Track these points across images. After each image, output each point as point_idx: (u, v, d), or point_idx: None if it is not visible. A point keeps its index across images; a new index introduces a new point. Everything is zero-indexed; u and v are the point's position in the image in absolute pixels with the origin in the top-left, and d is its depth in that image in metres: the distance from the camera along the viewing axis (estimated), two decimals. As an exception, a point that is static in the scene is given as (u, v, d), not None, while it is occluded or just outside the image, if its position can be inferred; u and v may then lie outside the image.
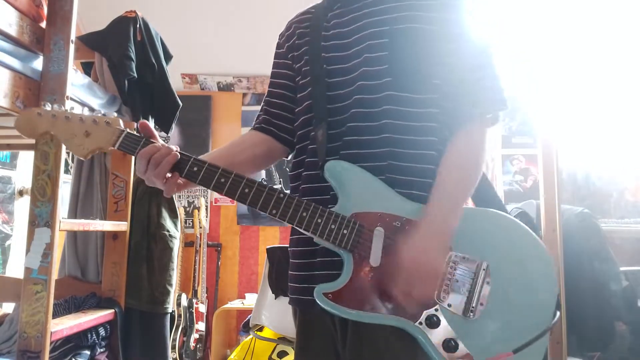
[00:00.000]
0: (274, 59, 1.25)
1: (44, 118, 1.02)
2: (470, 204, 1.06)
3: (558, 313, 0.97)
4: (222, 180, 0.98)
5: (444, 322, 0.94)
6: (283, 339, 2.38)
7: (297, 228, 0.98)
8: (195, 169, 0.99)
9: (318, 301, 0.94)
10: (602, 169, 2.95)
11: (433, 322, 0.93)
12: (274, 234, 4.16)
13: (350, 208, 0.98)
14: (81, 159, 1.04)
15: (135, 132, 1.04)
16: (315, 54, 1.11)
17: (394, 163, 1.00)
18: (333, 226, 0.96)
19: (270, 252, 2.10)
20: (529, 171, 3.98)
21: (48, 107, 1.03)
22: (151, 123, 2.31)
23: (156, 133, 1.04)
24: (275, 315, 2.15)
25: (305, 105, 1.12)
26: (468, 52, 1.04)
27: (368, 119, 1.02)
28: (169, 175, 1.00)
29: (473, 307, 0.95)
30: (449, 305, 0.94)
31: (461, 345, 0.93)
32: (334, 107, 1.06)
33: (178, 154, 0.99)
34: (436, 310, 0.94)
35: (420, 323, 0.93)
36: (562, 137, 2.09)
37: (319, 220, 0.96)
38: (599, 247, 2.11)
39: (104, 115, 1.02)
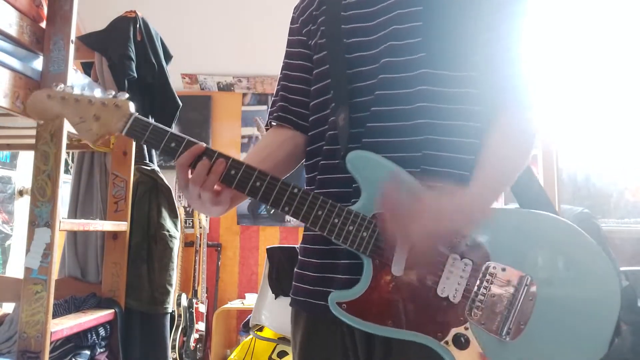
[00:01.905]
0: (288, 35, 1.11)
1: (54, 100, 0.95)
2: (509, 203, 0.94)
3: (616, 340, 0.84)
4: (232, 172, 0.87)
5: (474, 342, 0.82)
6: (283, 339, 2.39)
7: (313, 228, 0.87)
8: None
9: (332, 311, 0.84)
10: (602, 169, 2.95)
11: (461, 343, 0.82)
12: (274, 234, 4.16)
13: (372, 207, 0.85)
14: (90, 145, 0.98)
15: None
16: (333, 25, 0.97)
17: (431, 153, 0.87)
18: (351, 227, 0.85)
19: (270, 252, 2.10)
20: (529, 171, 3.97)
21: (59, 88, 0.95)
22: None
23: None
24: (275, 315, 2.15)
25: (321, 85, 1.00)
26: (515, 24, 0.90)
27: (398, 102, 0.89)
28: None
29: (510, 328, 0.81)
30: (482, 324, 0.82)
31: None
32: (356, 87, 0.93)
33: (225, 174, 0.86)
34: (466, 328, 0.82)
35: (447, 342, 0.82)
36: (562, 138, 2.09)
37: (336, 220, 0.85)
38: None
39: (114, 97, 0.94)
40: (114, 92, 0.94)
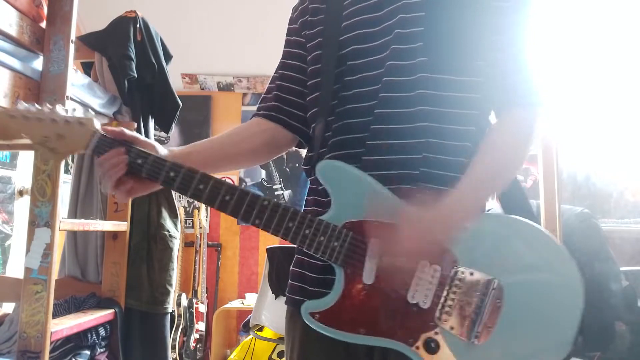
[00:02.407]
0: (286, 35, 1.11)
1: (16, 120, 0.92)
2: (496, 207, 0.95)
3: (580, 339, 0.84)
4: (201, 187, 0.87)
5: (444, 346, 0.83)
6: (283, 339, 2.38)
7: (285, 240, 0.87)
8: (172, 174, 0.88)
9: (305, 320, 0.85)
10: (602, 169, 2.95)
11: (431, 348, 0.83)
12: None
13: (343, 216, 0.86)
14: (75, 158, 0.96)
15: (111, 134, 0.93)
16: (332, 33, 0.98)
17: (431, 156, 0.88)
18: (322, 238, 0.85)
19: (270, 252, 2.10)
20: (529, 171, 3.97)
21: (21, 106, 0.93)
22: (151, 123, 2.31)
23: (131, 133, 0.93)
24: (275, 315, 2.15)
25: (315, 95, 1.01)
26: (518, 30, 0.91)
27: (400, 105, 0.90)
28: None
29: (478, 332, 0.82)
30: (451, 328, 0.83)
31: None
32: (356, 92, 0.94)
33: (129, 165, 0.88)
34: (435, 333, 0.83)
35: (417, 347, 0.83)
36: (562, 137, 2.09)
37: (307, 232, 0.85)
38: (599, 247, 2.11)
39: (78, 115, 0.93)
40: (78, 109, 0.92)
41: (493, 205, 1.00)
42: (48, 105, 0.94)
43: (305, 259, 0.98)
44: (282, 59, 1.11)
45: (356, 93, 0.94)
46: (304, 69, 1.05)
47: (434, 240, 0.83)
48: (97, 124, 0.92)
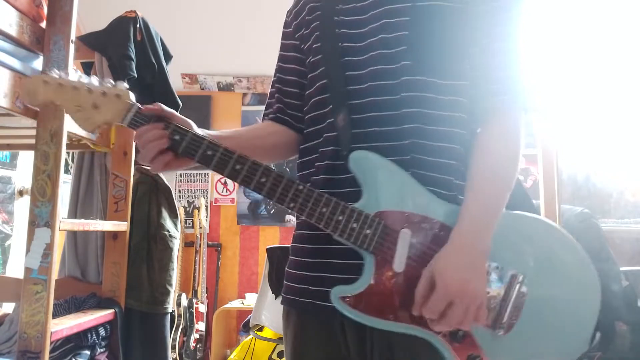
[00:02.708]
0: (282, 39, 1.13)
1: (50, 86, 0.91)
2: None
3: (598, 334, 0.88)
4: (238, 167, 0.88)
5: (469, 336, 0.86)
6: (283, 339, 2.38)
7: (317, 224, 0.89)
8: (209, 152, 0.89)
9: (335, 305, 0.87)
10: (602, 169, 2.95)
11: (458, 336, 0.85)
12: (274, 234, 4.16)
13: (375, 205, 0.88)
14: (90, 133, 0.94)
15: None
16: (328, 29, 1.00)
17: (418, 157, 0.90)
18: (355, 225, 0.87)
19: (270, 252, 2.11)
20: (529, 171, 3.98)
21: (55, 74, 0.92)
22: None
23: (169, 110, 0.93)
24: (275, 315, 2.15)
25: (318, 85, 1.00)
26: (500, 35, 0.94)
27: (387, 108, 0.92)
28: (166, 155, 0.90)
29: (503, 323, 0.86)
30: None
31: None
32: (352, 89, 0.95)
33: (169, 140, 0.89)
34: None
35: (444, 336, 0.86)
36: (562, 137, 2.09)
37: (340, 218, 0.87)
38: (599, 247, 2.11)
39: (114, 86, 0.92)
40: (112, 82, 0.92)
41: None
42: (84, 75, 0.93)
43: (296, 259, 1.01)
44: (278, 62, 1.14)
45: (357, 89, 0.96)
46: (302, 71, 1.07)
47: (472, 275, 0.84)
48: (133, 97, 0.92)
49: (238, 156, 0.89)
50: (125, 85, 0.92)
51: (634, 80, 2.74)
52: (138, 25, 2.17)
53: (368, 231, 0.87)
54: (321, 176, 0.96)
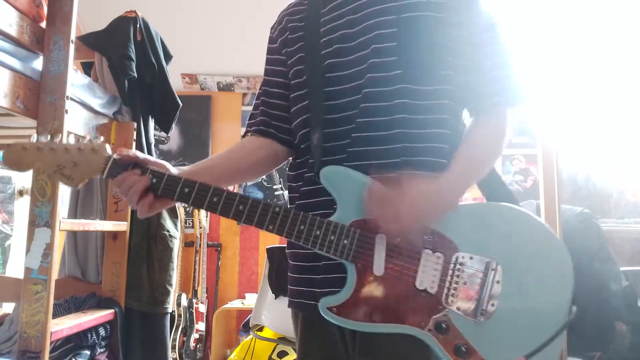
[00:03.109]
0: (267, 54, 1.19)
1: (29, 152, 0.96)
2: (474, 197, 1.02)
3: (574, 308, 0.91)
4: (215, 199, 0.94)
5: (453, 327, 0.90)
6: (283, 339, 2.38)
7: (297, 242, 0.95)
8: (186, 190, 0.94)
9: (323, 315, 0.92)
10: (602, 169, 2.95)
11: (442, 329, 0.90)
12: (274, 234, 4.15)
13: (349, 216, 0.93)
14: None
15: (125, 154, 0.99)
16: (312, 48, 1.05)
17: (408, 159, 0.95)
18: (332, 237, 0.92)
19: (270, 252, 2.10)
20: (529, 171, 3.98)
21: (33, 139, 0.97)
22: (151, 123, 2.31)
23: (144, 155, 0.98)
24: (275, 315, 2.15)
25: (302, 105, 1.07)
26: (481, 39, 1.00)
27: (380, 114, 0.97)
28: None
29: (483, 310, 0.90)
30: (458, 309, 0.90)
31: (473, 350, 0.89)
32: (338, 103, 1.01)
33: (150, 179, 0.94)
34: (444, 315, 0.90)
35: (430, 330, 0.90)
36: (562, 137, 2.09)
37: (318, 232, 0.93)
38: (599, 247, 2.11)
39: (89, 141, 0.97)
40: (88, 137, 0.97)
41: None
42: (59, 136, 0.98)
43: (292, 263, 1.07)
44: (265, 75, 1.18)
45: (339, 104, 1.01)
46: (288, 84, 1.12)
47: (432, 212, 0.91)
48: (109, 149, 0.97)
49: (214, 189, 0.94)
50: (101, 138, 0.97)
51: (634, 80, 2.74)
52: (138, 25, 2.17)
53: (345, 241, 0.92)
54: (309, 187, 1.02)
